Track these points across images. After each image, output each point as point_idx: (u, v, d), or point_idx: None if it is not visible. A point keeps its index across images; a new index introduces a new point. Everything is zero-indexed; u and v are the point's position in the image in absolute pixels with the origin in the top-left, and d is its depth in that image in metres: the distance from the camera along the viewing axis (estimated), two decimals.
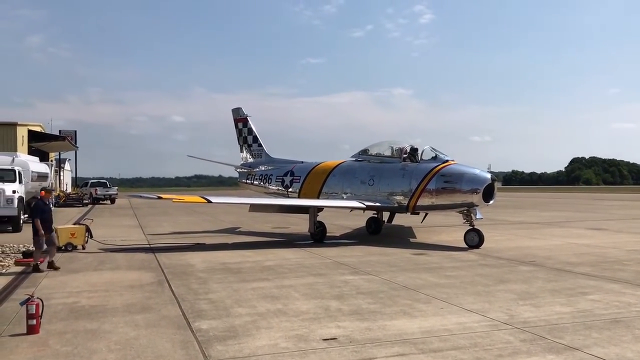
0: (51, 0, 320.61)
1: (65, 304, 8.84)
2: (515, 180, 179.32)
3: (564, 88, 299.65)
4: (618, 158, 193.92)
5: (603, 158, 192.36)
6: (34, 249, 12.41)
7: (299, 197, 20.91)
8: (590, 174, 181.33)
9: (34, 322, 7.05)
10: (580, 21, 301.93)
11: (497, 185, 16.59)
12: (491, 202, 16.31)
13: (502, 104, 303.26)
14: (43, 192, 13.28)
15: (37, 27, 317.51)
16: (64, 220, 24.68)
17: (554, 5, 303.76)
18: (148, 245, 17.12)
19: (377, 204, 17.95)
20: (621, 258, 13.72)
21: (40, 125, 48.28)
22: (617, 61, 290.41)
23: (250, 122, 25.86)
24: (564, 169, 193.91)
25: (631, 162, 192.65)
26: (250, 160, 25.51)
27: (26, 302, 7.12)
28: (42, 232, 12.22)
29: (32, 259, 12.49)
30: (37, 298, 7.27)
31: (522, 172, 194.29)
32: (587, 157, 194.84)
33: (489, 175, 16.08)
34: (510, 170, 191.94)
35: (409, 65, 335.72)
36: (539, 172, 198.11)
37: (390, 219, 19.82)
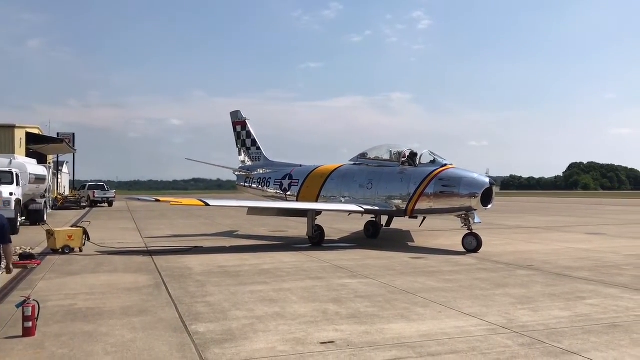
0: (53, 4, 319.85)
1: (62, 306, 8.80)
2: (513, 185, 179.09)
3: (562, 93, 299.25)
4: (616, 163, 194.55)
5: (601, 163, 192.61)
6: (31, 251, 12.11)
7: (297, 200, 20.88)
8: (588, 179, 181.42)
9: (30, 324, 7.01)
10: (576, 26, 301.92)
11: (496, 189, 16.59)
12: (489, 206, 16.30)
13: (500, 109, 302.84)
14: None
15: (39, 31, 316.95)
16: (61, 223, 25.01)
17: (550, 11, 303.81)
18: (145, 248, 17.08)
19: (376, 208, 17.93)
20: (619, 263, 13.72)
21: (38, 128, 48.19)
22: (613, 66, 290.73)
23: (248, 125, 25.82)
24: (562, 174, 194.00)
25: (629, 167, 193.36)
26: (249, 163, 25.48)
27: (22, 304, 7.07)
28: None
29: (29, 261, 12.37)
30: (34, 300, 7.23)
31: (520, 177, 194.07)
32: (585, 162, 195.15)
33: (487, 180, 16.08)
34: (509, 175, 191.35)
35: (407, 70, 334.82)
36: (537, 177, 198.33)
37: (389, 222, 19.82)
